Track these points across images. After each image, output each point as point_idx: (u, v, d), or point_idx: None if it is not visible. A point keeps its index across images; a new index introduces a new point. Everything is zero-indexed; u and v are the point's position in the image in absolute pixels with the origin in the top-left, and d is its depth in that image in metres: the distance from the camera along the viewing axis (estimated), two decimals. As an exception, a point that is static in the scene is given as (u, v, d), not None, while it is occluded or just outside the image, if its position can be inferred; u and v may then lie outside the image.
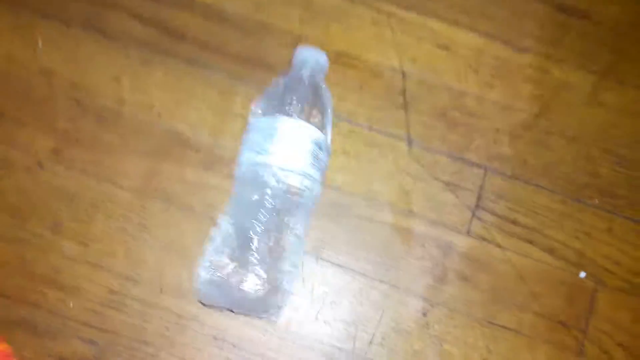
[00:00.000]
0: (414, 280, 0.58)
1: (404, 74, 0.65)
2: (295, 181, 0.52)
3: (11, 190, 0.59)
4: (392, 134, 0.62)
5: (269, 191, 0.51)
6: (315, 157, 0.52)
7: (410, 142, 0.62)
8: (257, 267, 0.50)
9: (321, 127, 0.55)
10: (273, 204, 0.51)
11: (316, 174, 0.52)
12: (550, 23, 0.67)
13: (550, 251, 0.59)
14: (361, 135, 0.62)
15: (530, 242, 0.60)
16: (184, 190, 0.59)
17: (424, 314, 0.58)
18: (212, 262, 0.51)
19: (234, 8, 0.66)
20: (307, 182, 0.52)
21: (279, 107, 0.54)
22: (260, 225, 0.50)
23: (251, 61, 0.64)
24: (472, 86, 0.65)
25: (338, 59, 0.65)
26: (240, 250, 0.50)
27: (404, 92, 0.64)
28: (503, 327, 0.57)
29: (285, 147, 0.52)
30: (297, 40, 0.65)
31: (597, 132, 0.64)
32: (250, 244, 0.50)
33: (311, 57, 0.58)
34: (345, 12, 0.66)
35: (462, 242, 0.59)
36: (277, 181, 0.51)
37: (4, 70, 0.62)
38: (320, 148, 0.52)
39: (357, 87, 0.64)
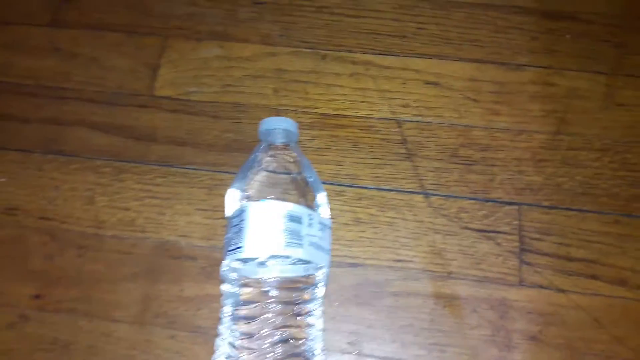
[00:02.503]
0: (476, 355, 0.49)
1: (398, 122, 0.58)
2: (275, 271, 0.44)
3: (-9, 358, 0.50)
4: (404, 189, 0.55)
5: (254, 292, 0.44)
6: (293, 234, 0.44)
7: (426, 194, 0.55)
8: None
9: (309, 198, 0.48)
10: (267, 305, 0.44)
11: (299, 252, 0.44)
12: (541, 33, 0.63)
13: (620, 282, 0.51)
14: (371, 199, 0.55)
15: (594, 277, 0.51)
16: (188, 309, 0.51)
17: (500, 393, 0.48)
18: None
19: (200, 95, 0.60)
20: (289, 267, 0.45)
21: (247, 192, 0.48)
22: (264, 336, 0.43)
23: (232, 147, 0.57)
24: (476, 118, 0.59)
25: (324, 121, 0.59)
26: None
27: (404, 141, 0.57)
28: (593, 385, 0.48)
29: (253, 236, 0.44)
30: (276, 112, 0.59)
31: (627, 134, 0.57)
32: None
33: (275, 127, 0.51)
34: (320, 72, 0.61)
35: (517, 296, 0.51)
36: (258, 279, 0.44)
37: (-39, 221, 0.55)
38: (298, 221, 0.44)
39: (351, 147, 0.58)
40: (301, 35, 0.63)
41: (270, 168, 0.49)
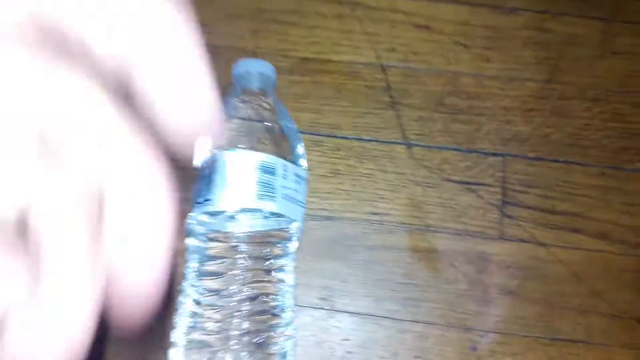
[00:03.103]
0: (453, 310, 0.48)
1: (383, 68, 0.56)
2: (246, 225, 0.42)
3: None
4: (385, 139, 0.53)
5: (222, 247, 0.43)
6: (266, 186, 0.42)
7: (409, 145, 0.53)
8: (242, 345, 0.40)
9: (286, 149, 0.46)
10: (236, 261, 0.42)
11: (272, 206, 0.42)
12: (537, -27, 0.59)
13: (602, 236, 0.50)
14: (351, 149, 0.53)
15: (576, 230, 0.50)
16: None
17: (474, 349, 0.48)
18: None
19: (174, 36, 0.56)
20: (260, 221, 0.43)
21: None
22: (232, 293, 0.42)
23: (206, 92, 0.54)
24: (465, 64, 0.56)
25: (305, 66, 0.56)
26: (216, 331, 0.41)
27: (388, 89, 0.55)
28: (569, 340, 0.47)
29: (223, 188, 0.42)
30: (253, 56, 0.55)
31: (620, 84, 0.55)
32: (226, 321, 0.41)
33: (250, 70, 0.48)
34: (302, 13, 0.58)
35: (497, 249, 0.50)
36: (228, 233, 0.43)
37: None
38: (272, 173, 0.42)
39: (333, 94, 0.55)
40: (283, -29, 0.60)
41: (244, 115, 0.47)
